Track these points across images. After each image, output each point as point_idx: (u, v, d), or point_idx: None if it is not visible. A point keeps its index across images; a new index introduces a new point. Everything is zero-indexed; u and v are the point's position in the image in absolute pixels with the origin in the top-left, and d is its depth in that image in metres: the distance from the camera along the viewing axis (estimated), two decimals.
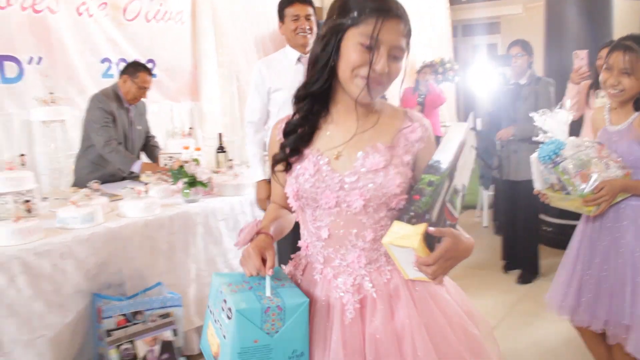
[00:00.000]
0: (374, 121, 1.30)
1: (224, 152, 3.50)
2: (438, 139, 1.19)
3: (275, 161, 1.34)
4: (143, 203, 2.61)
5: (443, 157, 1.16)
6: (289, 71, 2.82)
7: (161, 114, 4.80)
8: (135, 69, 3.61)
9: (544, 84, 3.85)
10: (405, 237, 1.08)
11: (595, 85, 3.28)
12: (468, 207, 5.87)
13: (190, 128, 3.77)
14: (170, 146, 3.59)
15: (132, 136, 3.68)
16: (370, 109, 1.31)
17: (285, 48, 2.92)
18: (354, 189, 1.24)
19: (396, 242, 1.10)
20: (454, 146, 1.18)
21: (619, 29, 4.94)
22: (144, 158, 3.81)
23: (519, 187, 3.86)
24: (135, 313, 2.40)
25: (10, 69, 3.79)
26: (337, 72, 1.23)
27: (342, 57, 1.21)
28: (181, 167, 2.84)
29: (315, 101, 1.29)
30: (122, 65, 4.12)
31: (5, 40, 3.73)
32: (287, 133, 1.32)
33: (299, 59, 2.84)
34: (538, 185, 2.22)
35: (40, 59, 3.94)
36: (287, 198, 1.34)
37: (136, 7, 4.48)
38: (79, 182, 3.34)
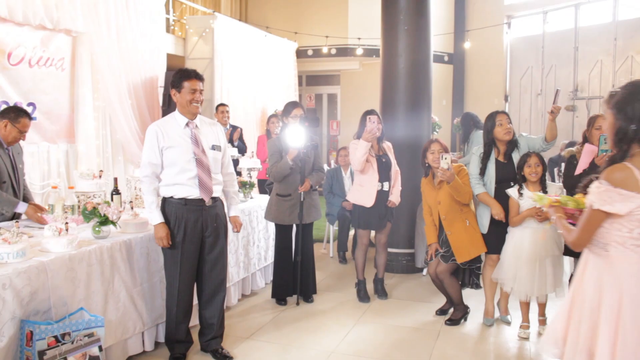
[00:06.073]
0: None
1: (119, 194, 3.95)
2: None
3: None
4: (65, 240, 3.03)
5: None
6: (179, 133, 3.33)
7: (38, 154, 5.02)
8: (16, 114, 3.75)
9: None
10: None
11: None
12: (316, 240, 6.81)
13: (101, 170, 4.11)
14: (80, 186, 3.89)
15: (17, 176, 3.84)
16: None
17: (174, 113, 3.39)
18: None
19: None
20: None
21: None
22: None
23: None
24: (64, 334, 2.82)
25: None
26: None
27: None
28: (94, 208, 3.29)
29: None
30: (4, 107, 4.35)
31: None
32: None
33: (187, 124, 3.35)
34: None
35: None
36: None
37: (20, 52, 4.73)
38: None
